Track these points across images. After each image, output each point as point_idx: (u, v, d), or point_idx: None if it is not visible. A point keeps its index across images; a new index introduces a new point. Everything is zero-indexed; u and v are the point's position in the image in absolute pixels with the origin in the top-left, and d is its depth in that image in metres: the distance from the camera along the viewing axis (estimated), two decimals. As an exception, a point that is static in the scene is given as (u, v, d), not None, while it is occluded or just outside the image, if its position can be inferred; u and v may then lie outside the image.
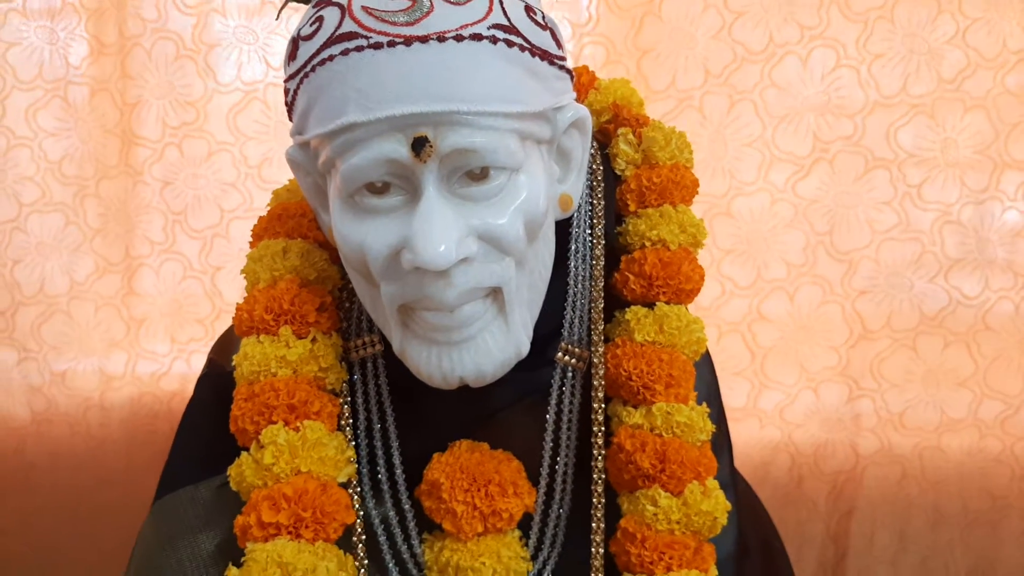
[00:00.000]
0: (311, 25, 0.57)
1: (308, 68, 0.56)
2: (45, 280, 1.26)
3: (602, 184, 0.69)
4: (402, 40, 0.53)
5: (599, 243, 0.68)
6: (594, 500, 0.63)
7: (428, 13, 0.54)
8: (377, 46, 0.53)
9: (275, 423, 0.60)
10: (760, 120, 1.14)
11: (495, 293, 0.58)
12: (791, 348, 1.16)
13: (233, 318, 0.66)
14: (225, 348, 0.74)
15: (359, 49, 0.54)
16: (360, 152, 0.54)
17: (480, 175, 0.55)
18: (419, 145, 0.53)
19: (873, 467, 1.16)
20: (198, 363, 1.25)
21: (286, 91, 0.60)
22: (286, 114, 1.19)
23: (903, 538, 1.16)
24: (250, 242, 0.71)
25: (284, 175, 1.23)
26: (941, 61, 1.11)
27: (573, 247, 0.67)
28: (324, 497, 0.58)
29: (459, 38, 0.54)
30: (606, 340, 0.67)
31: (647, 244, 0.68)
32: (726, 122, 1.14)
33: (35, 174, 1.25)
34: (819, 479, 1.18)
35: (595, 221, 0.68)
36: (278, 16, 0.69)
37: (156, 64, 1.22)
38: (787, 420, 1.18)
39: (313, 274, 0.66)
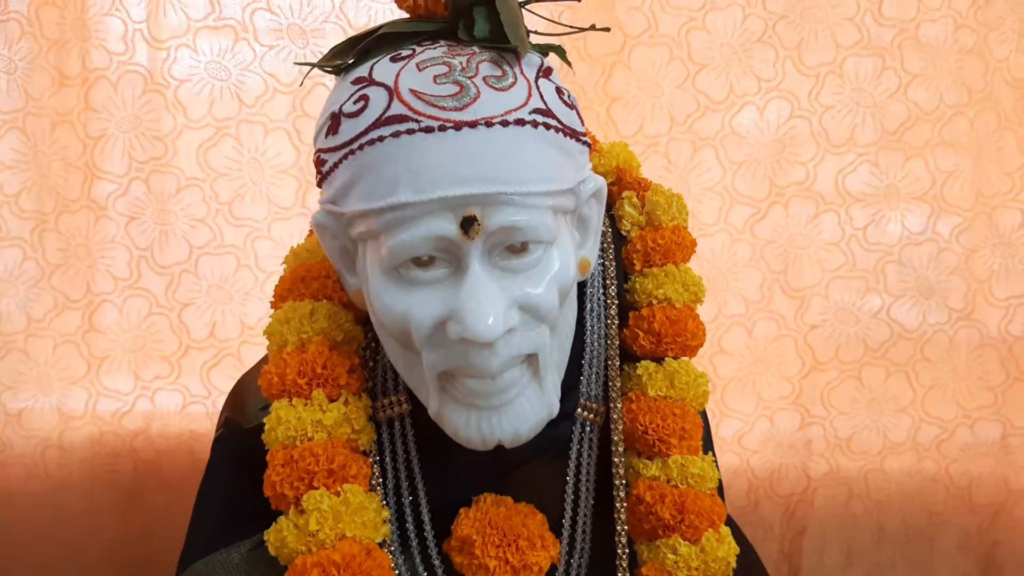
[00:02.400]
0: (355, 103, 0.59)
1: (355, 146, 0.58)
2: (0, 317, 1.22)
3: (612, 245, 0.74)
4: (452, 125, 0.56)
5: (613, 303, 0.72)
6: (618, 551, 0.67)
7: (475, 99, 0.57)
8: (428, 130, 0.56)
9: (316, 488, 0.61)
10: (721, 165, 1.21)
11: (530, 358, 0.61)
12: (749, 379, 1.24)
13: (260, 380, 0.67)
14: (239, 406, 0.74)
15: (410, 132, 0.56)
16: (410, 229, 0.56)
17: (520, 249, 0.58)
18: (468, 224, 0.56)
19: (823, 489, 1.25)
20: (163, 400, 1.25)
21: (322, 161, 0.62)
22: (257, 151, 1.20)
23: (850, 554, 1.26)
24: (272, 302, 0.72)
25: (255, 212, 1.23)
26: (885, 113, 1.20)
27: (589, 306, 0.71)
28: (369, 561, 0.60)
29: (505, 123, 0.57)
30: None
31: (654, 302, 0.72)
32: (689, 167, 1.20)
33: None
34: (774, 501, 1.26)
35: (608, 282, 0.73)
36: (301, 83, 0.70)
37: (122, 97, 1.20)
38: (744, 447, 1.25)
39: (340, 335, 0.68)
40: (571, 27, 0.69)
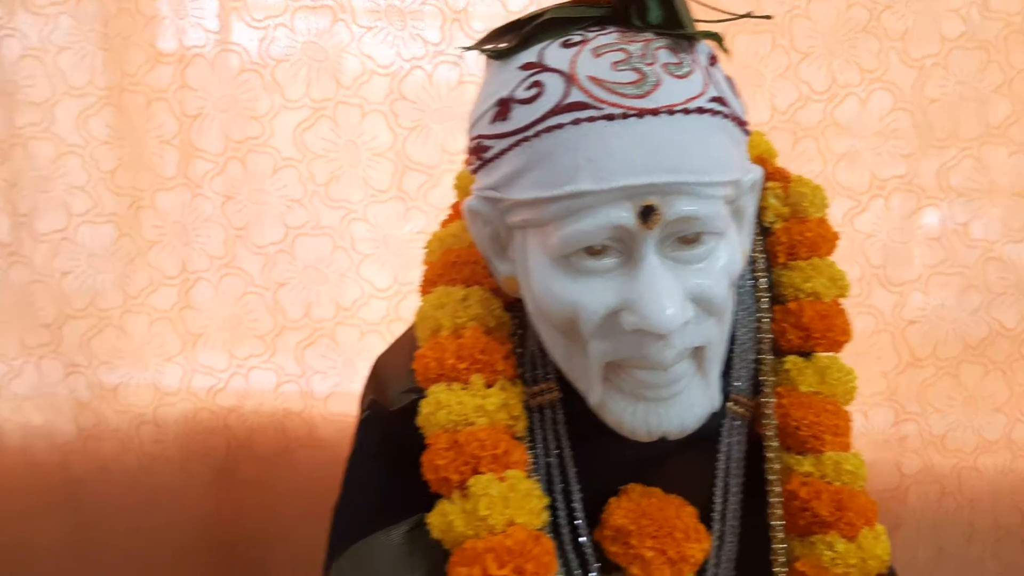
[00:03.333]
0: (527, 89, 0.58)
1: (530, 132, 0.58)
2: (96, 293, 1.23)
3: (761, 238, 0.73)
4: (635, 112, 0.55)
5: (763, 296, 0.71)
6: (774, 546, 0.67)
7: (656, 87, 0.56)
8: (610, 117, 0.55)
9: (482, 473, 0.62)
10: (822, 156, 1.19)
11: (696, 351, 0.61)
12: (844, 374, 1.23)
13: (415, 364, 0.67)
14: (381, 388, 0.74)
15: (591, 120, 0.56)
16: (586, 218, 0.56)
17: (692, 239, 0.58)
18: (647, 213, 0.56)
19: (916, 486, 1.24)
20: (257, 379, 1.25)
21: (483, 147, 0.62)
22: (353, 133, 1.19)
23: (940, 552, 1.25)
24: (421, 286, 0.72)
25: (351, 194, 1.23)
26: (988, 108, 1.18)
27: (738, 299, 0.71)
28: (538, 548, 0.60)
29: (686, 111, 0.56)
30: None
31: (801, 296, 0.72)
32: (791, 157, 1.19)
33: (86, 183, 1.21)
34: (865, 496, 1.25)
35: (757, 275, 0.72)
36: (467, 47, 0.69)
37: (219, 76, 1.20)
38: (837, 441, 1.24)
39: (493, 322, 0.68)
40: (728, 14, 0.68)
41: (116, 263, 1.22)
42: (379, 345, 1.23)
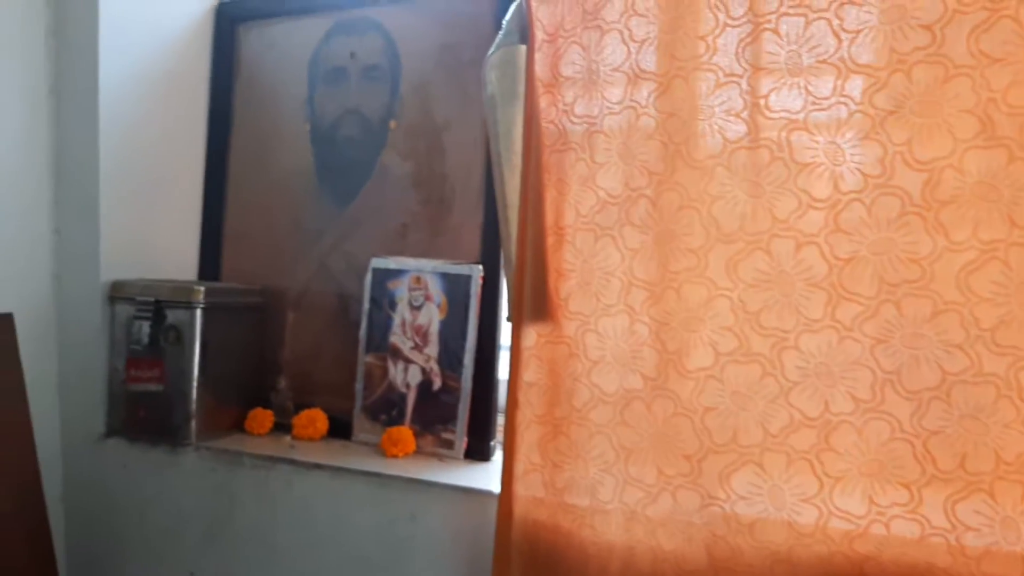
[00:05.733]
0: None
1: None
2: (738, 429, 1.26)
3: None
4: None
5: None
6: None
7: None
8: None
9: None
10: None
11: None
12: None
13: None
14: None
15: None
16: None
17: None
18: None
19: None
20: (898, 527, 1.20)
21: None
22: None
23: None
24: None
25: (1022, 340, 1.15)
26: None
27: None
28: None
29: None
30: None
31: None
32: None
33: (733, 324, 1.26)
34: None
35: None
36: None
37: (876, 219, 1.19)
38: None
39: None
40: None
41: (759, 402, 1.25)
42: (1044, 503, 1.15)
